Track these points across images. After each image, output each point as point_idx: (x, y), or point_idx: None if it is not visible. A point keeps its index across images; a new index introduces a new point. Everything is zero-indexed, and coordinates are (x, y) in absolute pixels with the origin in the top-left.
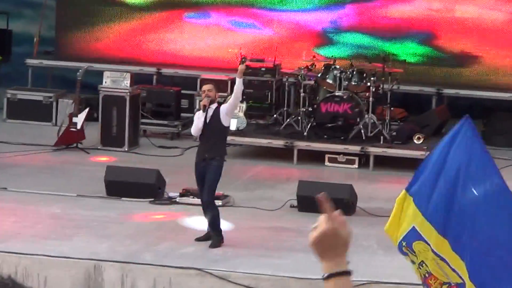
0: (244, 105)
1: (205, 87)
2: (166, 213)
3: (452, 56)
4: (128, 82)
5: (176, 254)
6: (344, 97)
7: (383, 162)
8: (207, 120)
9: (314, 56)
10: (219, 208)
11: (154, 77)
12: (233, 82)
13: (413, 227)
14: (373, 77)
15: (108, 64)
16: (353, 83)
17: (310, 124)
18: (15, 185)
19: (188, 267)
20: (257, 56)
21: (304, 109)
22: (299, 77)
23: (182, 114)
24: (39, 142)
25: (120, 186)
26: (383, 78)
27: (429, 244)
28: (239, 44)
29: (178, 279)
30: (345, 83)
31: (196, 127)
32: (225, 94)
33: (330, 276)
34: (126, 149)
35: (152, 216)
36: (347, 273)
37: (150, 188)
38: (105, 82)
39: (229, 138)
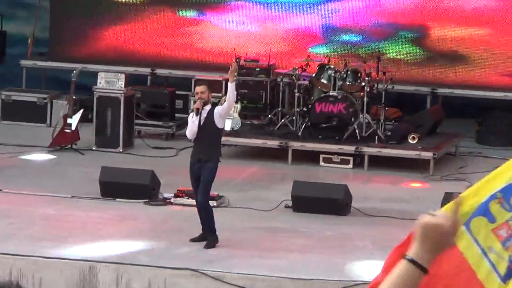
0: (238, 106)
1: (198, 88)
2: (161, 214)
3: (445, 55)
4: (123, 83)
5: (171, 255)
6: (339, 97)
7: (378, 162)
8: (201, 122)
9: (308, 56)
10: (214, 209)
11: (149, 77)
12: (227, 82)
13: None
14: (368, 77)
15: (102, 65)
16: (348, 83)
17: (304, 124)
18: (10, 186)
19: (183, 267)
20: (252, 57)
21: (299, 109)
22: (294, 77)
23: (177, 115)
24: (34, 143)
25: (115, 187)
26: (377, 78)
27: None
28: (233, 44)
29: (173, 280)
30: (339, 83)
31: (191, 130)
32: (219, 94)
33: (412, 262)
34: (121, 150)
35: (147, 217)
36: (424, 269)
37: (144, 189)
38: (100, 83)
39: (223, 138)
